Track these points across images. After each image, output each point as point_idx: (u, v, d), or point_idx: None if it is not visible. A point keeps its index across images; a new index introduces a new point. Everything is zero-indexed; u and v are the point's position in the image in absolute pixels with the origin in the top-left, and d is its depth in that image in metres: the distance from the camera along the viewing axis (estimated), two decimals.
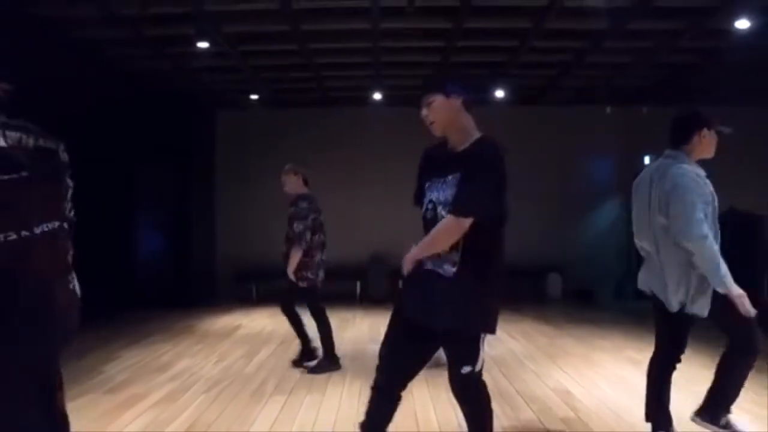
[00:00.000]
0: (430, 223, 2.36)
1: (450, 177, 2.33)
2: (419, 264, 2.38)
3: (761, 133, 8.91)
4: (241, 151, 10.10)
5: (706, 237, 2.70)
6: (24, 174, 1.69)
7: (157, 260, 9.48)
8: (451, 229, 2.26)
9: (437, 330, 2.32)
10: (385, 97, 8.92)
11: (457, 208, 2.25)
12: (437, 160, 2.45)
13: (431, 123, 2.39)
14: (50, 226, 1.78)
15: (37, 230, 1.71)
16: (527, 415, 3.77)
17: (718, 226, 2.85)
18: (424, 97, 2.39)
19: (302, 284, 4.84)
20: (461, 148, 2.39)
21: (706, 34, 6.44)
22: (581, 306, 9.06)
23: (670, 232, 2.82)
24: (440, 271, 2.31)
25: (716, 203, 2.88)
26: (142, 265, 9.41)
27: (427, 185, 2.43)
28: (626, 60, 7.63)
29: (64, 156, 1.91)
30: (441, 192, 2.34)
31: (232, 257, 10.06)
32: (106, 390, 4.41)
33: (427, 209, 2.40)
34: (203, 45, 6.28)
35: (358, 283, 9.76)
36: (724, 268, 2.72)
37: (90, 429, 3.49)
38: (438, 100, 2.36)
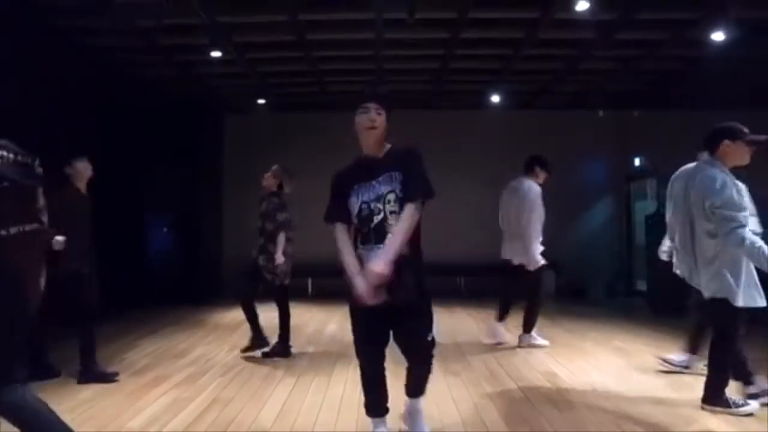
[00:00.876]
0: (365, 219, 2.82)
1: (381, 177, 2.82)
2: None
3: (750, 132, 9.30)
4: (247, 153, 10.48)
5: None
6: (5, 184, 2.12)
7: (167, 257, 9.90)
8: (415, 215, 2.73)
9: (400, 306, 2.72)
10: None
11: (415, 195, 2.75)
12: (357, 171, 2.93)
13: (372, 128, 2.85)
14: (28, 227, 2.20)
15: (13, 230, 2.13)
16: (515, 393, 4.16)
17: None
18: (374, 106, 2.85)
19: (270, 277, 5.30)
20: (382, 153, 2.91)
21: (687, 44, 6.84)
22: (574, 302, 9.43)
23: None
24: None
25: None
26: (153, 262, 9.82)
27: (352, 193, 2.88)
28: (615, 67, 8.03)
29: (38, 169, 2.34)
30: (371, 191, 2.82)
31: (237, 255, 10.42)
32: (131, 373, 4.79)
33: (361, 209, 2.84)
34: (216, 54, 6.67)
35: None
36: None
37: (121, 406, 3.88)
38: (384, 114, 2.88)
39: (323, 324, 7.23)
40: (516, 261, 5.73)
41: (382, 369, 2.97)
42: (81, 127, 7.57)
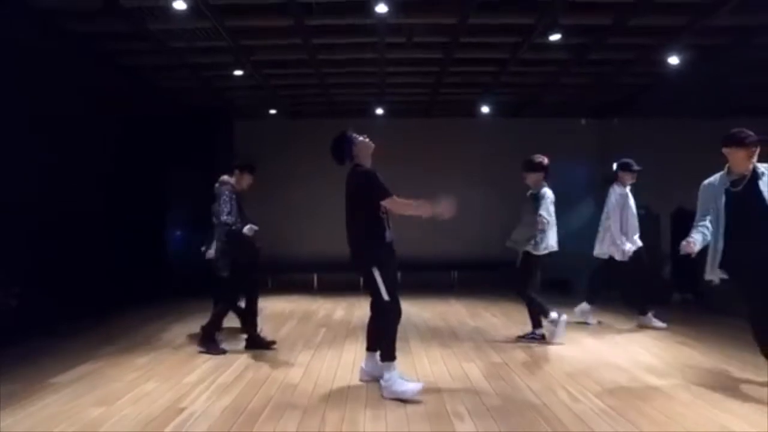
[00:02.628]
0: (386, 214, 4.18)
1: None
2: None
3: (713, 140, 10.26)
4: (258, 157, 11.37)
5: None
6: None
7: (184, 253, 10.76)
8: None
9: None
10: (386, 111, 10.26)
11: None
12: None
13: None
14: None
15: None
16: (496, 359, 5.06)
17: None
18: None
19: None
20: None
21: (651, 63, 7.77)
22: (558, 294, 10.31)
23: None
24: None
25: None
26: (173, 257, 10.69)
27: None
28: (591, 82, 8.96)
29: None
30: None
31: None
32: (172, 348, 5.68)
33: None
34: (238, 72, 7.56)
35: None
36: None
37: (174, 369, 4.76)
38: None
39: (331, 311, 8.11)
40: (610, 255, 6.59)
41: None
42: (110, 133, 8.46)
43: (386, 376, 3.98)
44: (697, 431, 3.23)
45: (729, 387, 4.07)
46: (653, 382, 4.25)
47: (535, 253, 5.73)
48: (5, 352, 5.25)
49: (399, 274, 4.48)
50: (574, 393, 3.99)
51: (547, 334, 5.76)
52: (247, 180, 5.80)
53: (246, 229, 5.45)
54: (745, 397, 3.83)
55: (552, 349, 5.48)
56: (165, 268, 10.34)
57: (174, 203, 10.76)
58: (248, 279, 5.68)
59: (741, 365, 4.64)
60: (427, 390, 4.03)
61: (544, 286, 10.85)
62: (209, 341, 5.49)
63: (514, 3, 6.21)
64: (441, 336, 6.13)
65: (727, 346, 5.39)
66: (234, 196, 5.63)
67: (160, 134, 9.85)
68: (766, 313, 3.86)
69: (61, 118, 7.12)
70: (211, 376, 4.54)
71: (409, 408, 3.68)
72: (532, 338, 5.81)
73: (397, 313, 4.15)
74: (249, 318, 5.71)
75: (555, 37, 6.42)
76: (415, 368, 4.71)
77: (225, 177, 5.84)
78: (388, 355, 4.05)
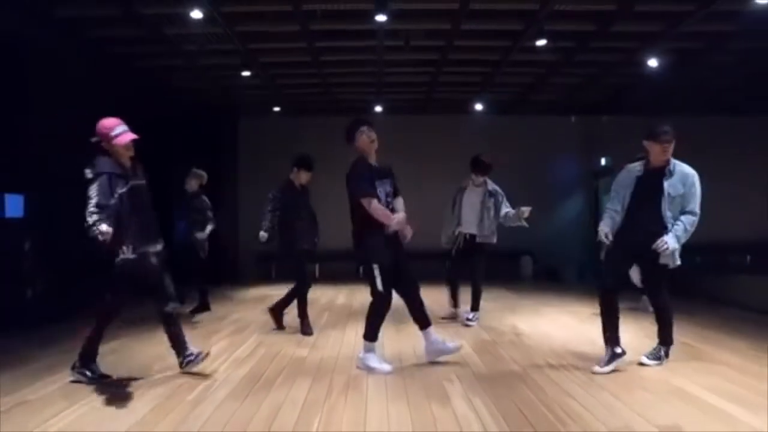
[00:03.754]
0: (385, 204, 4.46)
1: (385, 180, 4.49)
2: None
3: (696, 136, 10.79)
4: (261, 152, 11.84)
5: None
6: None
7: (190, 245, 11.22)
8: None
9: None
10: (384, 108, 10.76)
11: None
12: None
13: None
14: None
15: None
16: (485, 337, 5.57)
17: None
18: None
19: None
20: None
21: (634, 65, 8.27)
22: (549, 284, 10.85)
23: None
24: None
25: None
26: (179, 249, 11.14)
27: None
28: (578, 81, 9.46)
29: None
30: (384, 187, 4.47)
31: (252, 243, 11.79)
32: (189, 329, 6.13)
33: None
34: (246, 73, 8.04)
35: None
36: None
37: (194, 344, 5.24)
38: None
39: (334, 297, 8.63)
40: None
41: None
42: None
43: (362, 353, 4.44)
44: (658, 392, 3.72)
45: (692, 357, 4.60)
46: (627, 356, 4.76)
47: (494, 242, 6.37)
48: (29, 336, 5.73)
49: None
50: (552, 362, 4.51)
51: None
52: (304, 176, 6.10)
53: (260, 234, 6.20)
54: (703, 365, 4.35)
55: (537, 328, 5.99)
56: (171, 259, 10.78)
57: (180, 198, 11.21)
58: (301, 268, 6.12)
59: (701, 339, 5.18)
60: (422, 363, 4.53)
61: (537, 275, 11.49)
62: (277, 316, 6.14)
63: (504, 11, 6.69)
64: (434, 319, 6.60)
65: (691, 323, 5.90)
66: (279, 196, 6.17)
67: (167, 132, 10.28)
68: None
69: (76, 119, 7.55)
70: (226, 352, 5.04)
71: (407, 376, 4.18)
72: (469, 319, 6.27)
73: (388, 303, 4.46)
74: (287, 300, 6.22)
75: (541, 42, 6.92)
76: (412, 346, 5.18)
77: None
78: (369, 336, 4.44)
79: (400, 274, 4.46)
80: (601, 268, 4.66)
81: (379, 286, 4.36)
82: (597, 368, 4.18)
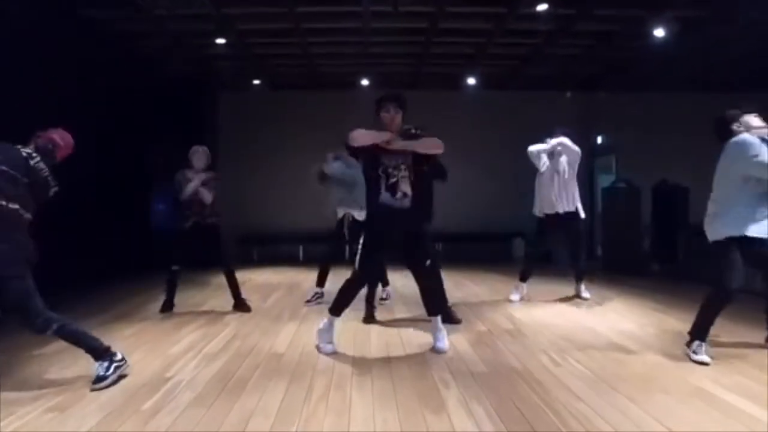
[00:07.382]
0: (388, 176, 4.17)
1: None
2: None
3: (695, 114, 10.38)
4: (242, 129, 11.28)
5: None
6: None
7: (169, 226, 10.67)
8: None
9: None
10: (371, 82, 10.17)
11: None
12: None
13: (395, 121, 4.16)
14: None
15: None
16: (481, 328, 5.15)
17: None
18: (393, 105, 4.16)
19: None
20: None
21: (636, 36, 7.78)
22: (540, 266, 10.46)
23: None
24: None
25: None
26: (157, 231, 10.60)
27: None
28: (575, 53, 8.95)
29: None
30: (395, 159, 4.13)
31: (234, 224, 11.29)
32: (160, 319, 5.70)
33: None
34: (220, 41, 7.44)
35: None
36: None
37: (160, 339, 4.79)
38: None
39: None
40: None
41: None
42: (92, 104, 8.29)
43: (322, 323, 4.41)
44: (670, 390, 3.35)
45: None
46: (630, 347, 4.38)
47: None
48: None
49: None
50: (555, 358, 4.10)
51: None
52: None
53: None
54: (716, 358, 3.96)
55: (535, 318, 5.60)
56: (147, 242, 10.26)
57: (157, 177, 10.64)
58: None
59: (713, 329, 4.79)
60: (414, 357, 4.12)
61: (531, 257, 11.09)
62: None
63: None
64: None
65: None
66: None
67: (143, 105, 9.68)
68: None
69: (37, 85, 6.95)
70: (197, 345, 4.57)
71: (395, 374, 3.75)
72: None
73: (361, 283, 4.36)
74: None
75: (542, 7, 6.40)
76: (400, 338, 4.78)
77: None
78: (334, 310, 4.37)
79: (409, 251, 4.26)
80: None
81: (356, 263, 4.20)
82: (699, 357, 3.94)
